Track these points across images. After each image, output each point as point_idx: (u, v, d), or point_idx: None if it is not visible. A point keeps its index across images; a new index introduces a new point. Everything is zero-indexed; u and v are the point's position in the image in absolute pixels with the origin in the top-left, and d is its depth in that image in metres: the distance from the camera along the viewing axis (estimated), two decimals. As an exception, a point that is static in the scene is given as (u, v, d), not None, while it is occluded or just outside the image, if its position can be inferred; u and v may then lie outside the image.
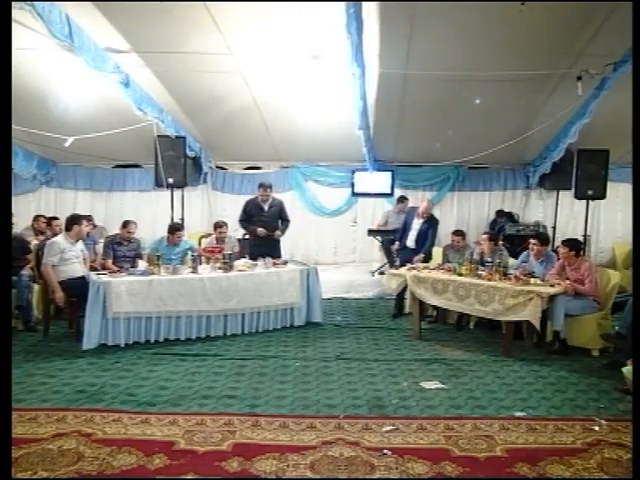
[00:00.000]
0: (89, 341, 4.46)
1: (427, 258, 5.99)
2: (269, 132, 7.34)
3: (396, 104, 6.38)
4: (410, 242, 6.02)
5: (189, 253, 5.77)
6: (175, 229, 5.82)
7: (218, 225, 6.18)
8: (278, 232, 6.24)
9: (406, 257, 5.94)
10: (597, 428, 3.09)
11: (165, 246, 5.72)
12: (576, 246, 4.82)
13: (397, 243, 6.28)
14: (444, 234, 7.34)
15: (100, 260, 5.90)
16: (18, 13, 3.39)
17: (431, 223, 6.00)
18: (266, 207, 6.25)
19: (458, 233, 5.95)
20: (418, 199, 8.46)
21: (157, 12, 4.42)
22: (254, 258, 5.71)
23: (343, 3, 3.72)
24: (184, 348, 4.64)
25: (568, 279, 4.66)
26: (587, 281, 4.57)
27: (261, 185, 6.27)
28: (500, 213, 8.39)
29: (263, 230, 6.10)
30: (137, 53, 5.18)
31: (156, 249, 5.58)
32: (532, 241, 5.15)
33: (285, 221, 6.38)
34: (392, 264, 6.85)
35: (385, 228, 8.02)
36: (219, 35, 4.85)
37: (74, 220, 5.09)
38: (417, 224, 5.99)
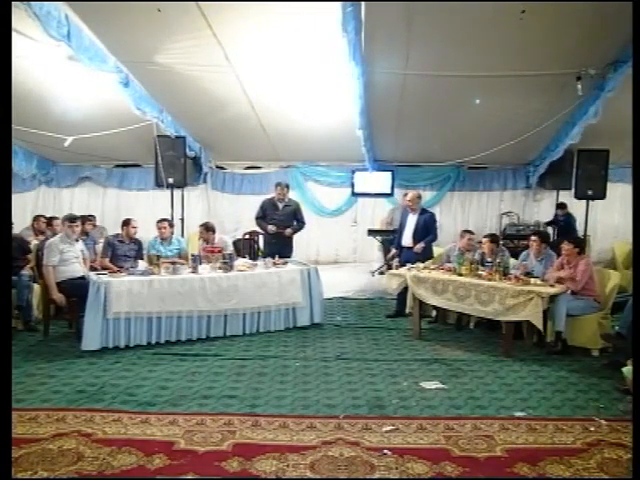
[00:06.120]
0: (87, 342, 4.43)
1: (428, 254, 5.79)
2: (268, 132, 7.33)
3: (396, 104, 6.37)
4: (407, 240, 5.83)
5: (181, 251, 5.84)
6: (159, 220, 5.85)
7: (206, 229, 5.95)
8: (289, 230, 6.26)
9: (406, 257, 5.76)
10: (593, 429, 3.08)
11: (159, 243, 5.76)
12: (580, 244, 4.84)
13: (393, 250, 6.17)
14: (444, 234, 7.33)
15: (99, 259, 5.87)
16: (16, 13, 3.38)
17: (426, 216, 5.85)
18: (280, 206, 6.29)
19: (470, 232, 5.71)
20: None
21: (156, 22, 4.43)
22: (268, 256, 5.71)
23: (339, 3, 3.73)
24: (184, 348, 4.64)
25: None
26: (578, 276, 4.54)
27: (278, 184, 6.35)
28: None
29: (273, 227, 6.15)
30: (136, 62, 5.19)
31: (155, 248, 5.63)
32: (532, 238, 5.16)
33: (299, 222, 6.40)
34: (389, 267, 6.73)
35: (390, 227, 8.00)
36: (217, 44, 4.86)
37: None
38: (412, 220, 5.85)
